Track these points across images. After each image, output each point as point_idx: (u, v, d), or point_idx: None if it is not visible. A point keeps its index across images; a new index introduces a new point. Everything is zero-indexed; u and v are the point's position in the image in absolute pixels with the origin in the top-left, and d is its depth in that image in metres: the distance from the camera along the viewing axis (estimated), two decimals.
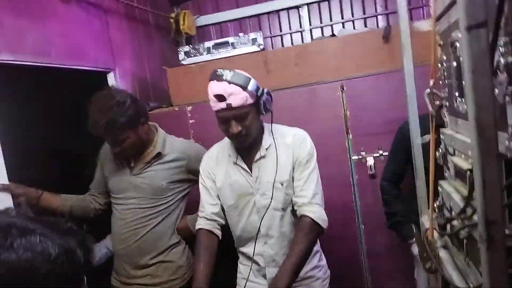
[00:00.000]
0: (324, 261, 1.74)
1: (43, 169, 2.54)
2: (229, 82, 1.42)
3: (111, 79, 2.47)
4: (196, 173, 1.73)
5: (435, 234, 1.03)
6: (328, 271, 1.75)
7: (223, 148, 1.67)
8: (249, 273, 1.64)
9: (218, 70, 1.44)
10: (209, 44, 2.58)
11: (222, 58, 2.53)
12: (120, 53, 2.55)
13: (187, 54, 2.60)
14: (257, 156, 1.59)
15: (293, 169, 1.59)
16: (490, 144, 0.58)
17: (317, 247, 1.71)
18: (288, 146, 1.60)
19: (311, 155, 1.61)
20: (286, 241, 1.61)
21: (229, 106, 1.44)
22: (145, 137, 1.79)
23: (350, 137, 2.28)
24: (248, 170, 1.60)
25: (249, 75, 1.48)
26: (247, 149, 1.60)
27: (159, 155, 1.81)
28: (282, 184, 1.57)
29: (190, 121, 2.42)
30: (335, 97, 2.27)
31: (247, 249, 1.64)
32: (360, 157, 2.28)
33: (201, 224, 1.63)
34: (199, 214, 1.66)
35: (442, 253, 0.99)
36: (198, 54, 2.57)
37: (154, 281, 1.81)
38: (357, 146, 2.29)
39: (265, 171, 1.58)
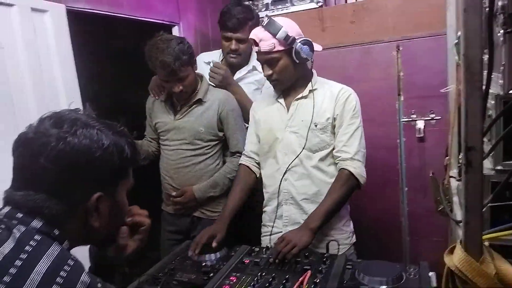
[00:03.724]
0: (349, 228, 1.75)
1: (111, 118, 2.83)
2: (264, 28, 1.55)
3: (176, 32, 2.66)
4: (224, 124, 1.96)
5: (452, 181, 1.08)
6: (353, 238, 1.75)
7: (271, 89, 1.78)
8: (269, 217, 1.75)
9: (266, 16, 1.57)
10: (268, 0, 2.65)
11: (279, 14, 2.59)
12: (185, 8, 2.71)
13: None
14: (299, 96, 1.68)
15: (334, 120, 1.64)
16: (475, 77, 0.63)
17: (345, 212, 1.74)
18: (332, 96, 1.65)
19: (356, 112, 1.65)
20: (309, 181, 1.67)
21: (260, 51, 1.58)
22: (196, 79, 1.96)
23: (402, 98, 2.26)
24: (285, 107, 1.71)
25: (285, 23, 1.56)
26: (290, 91, 1.70)
27: (199, 101, 1.96)
28: (316, 125, 1.63)
29: None
30: (389, 57, 2.24)
31: (271, 188, 1.74)
32: (410, 119, 2.26)
33: (241, 160, 1.83)
34: (244, 151, 1.86)
35: (455, 198, 1.04)
36: (257, 10, 2.65)
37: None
38: (408, 108, 2.26)
39: (302, 111, 1.67)
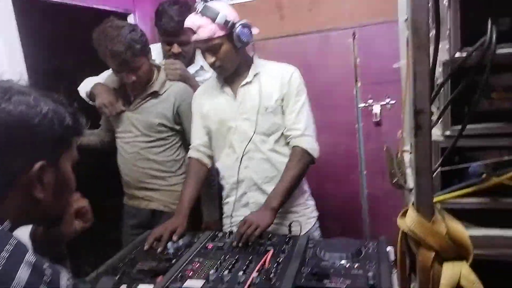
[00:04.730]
0: (312, 202, 1.80)
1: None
2: (201, 14, 1.50)
3: (131, 21, 2.57)
4: (183, 119, 1.89)
5: (406, 154, 1.11)
6: (315, 212, 1.80)
7: (214, 79, 1.75)
8: (233, 207, 1.74)
9: (201, 1, 1.51)
10: None
11: (235, 3, 2.57)
12: None
13: None
14: (243, 82, 1.66)
15: (282, 100, 1.64)
16: (422, 41, 0.64)
17: (306, 187, 1.78)
18: (276, 76, 1.65)
19: (301, 88, 1.66)
20: (268, 165, 1.67)
21: (199, 39, 1.53)
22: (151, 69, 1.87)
23: (359, 85, 2.32)
24: (233, 94, 1.68)
25: (222, 7, 1.52)
26: (234, 77, 1.67)
27: (155, 94, 1.88)
28: (266, 109, 1.62)
29: None
30: (346, 45, 2.30)
31: (231, 179, 1.72)
32: (367, 104, 2.32)
33: (191, 154, 1.78)
34: (190, 146, 1.81)
35: (409, 170, 1.07)
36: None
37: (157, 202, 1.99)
38: (365, 94, 2.33)
39: (249, 96, 1.65)
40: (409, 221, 0.69)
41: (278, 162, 1.67)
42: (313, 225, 1.76)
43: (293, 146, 1.63)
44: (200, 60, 2.14)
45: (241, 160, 1.67)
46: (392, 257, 1.29)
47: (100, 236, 2.02)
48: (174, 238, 1.53)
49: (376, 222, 2.42)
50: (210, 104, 1.73)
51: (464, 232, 0.65)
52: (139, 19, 2.60)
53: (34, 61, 1.89)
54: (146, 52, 1.80)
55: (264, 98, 1.63)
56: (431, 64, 0.75)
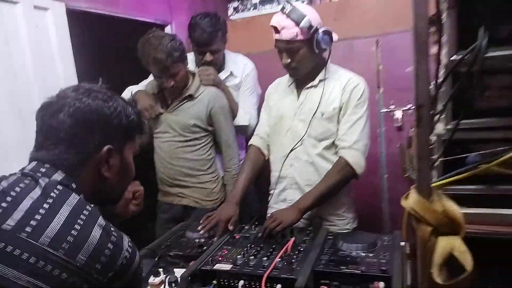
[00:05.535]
0: (350, 215, 1.80)
1: None
2: (287, 16, 1.55)
3: (168, 32, 2.77)
4: (214, 121, 2.05)
5: None
6: (352, 224, 1.80)
7: (287, 76, 1.82)
8: (270, 198, 1.85)
9: (287, 2, 1.57)
10: (256, 0, 2.79)
11: (267, 14, 2.72)
12: (177, 8, 2.83)
13: (236, 9, 2.83)
14: (309, 85, 1.71)
15: (340, 109, 1.65)
16: (423, 47, 0.75)
17: (345, 200, 1.78)
18: (341, 84, 1.67)
19: (362, 101, 1.67)
20: (312, 169, 1.71)
21: (281, 39, 1.59)
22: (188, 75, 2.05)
23: (381, 90, 2.41)
24: (297, 94, 1.75)
25: (308, 11, 1.57)
26: (303, 78, 1.72)
27: (190, 97, 2.05)
28: (322, 115, 1.66)
29: None
30: (369, 52, 2.40)
31: (276, 173, 1.82)
32: (389, 110, 2.41)
33: (253, 141, 1.89)
34: (254, 132, 1.92)
35: None
36: (245, 10, 2.79)
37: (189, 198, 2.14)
38: (388, 99, 2.41)
39: (310, 99, 1.70)
40: (411, 201, 0.79)
41: (322, 168, 1.69)
42: None
43: (339, 157, 1.66)
44: (230, 66, 2.30)
45: (287, 157, 1.75)
46: (407, 250, 1.38)
47: (137, 228, 2.18)
48: (230, 227, 1.63)
49: (396, 225, 2.46)
50: (276, 99, 1.83)
51: (457, 210, 0.75)
52: (176, 29, 2.79)
53: (84, 70, 2.10)
54: (183, 59, 1.97)
55: (323, 103, 1.66)
56: (436, 66, 0.86)
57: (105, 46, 2.93)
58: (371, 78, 2.40)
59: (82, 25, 2.22)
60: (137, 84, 2.28)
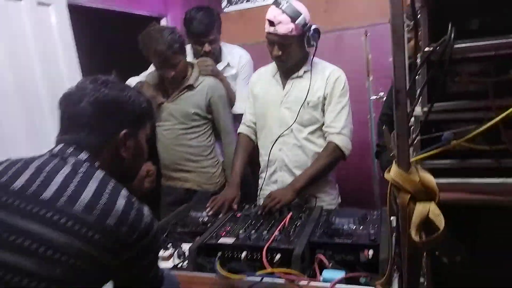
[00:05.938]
0: (335, 191, 1.99)
1: None
2: (282, 11, 1.65)
3: (164, 24, 2.86)
4: (213, 109, 2.17)
5: None
6: (337, 199, 1.99)
7: (271, 66, 1.96)
8: (263, 182, 1.98)
9: None
10: None
11: (258, 7, 2.82)
12: (172, 1, 2.92)
13: (229, 2, 2.92)
14: (294, 75, 1.85)
15: (325, 99, 1.82)
16: (400, 40, 0.88)
17: (331, 177, 1.96)
18: (324, 76, 1.83)
19: (344, 91, 1.83)
20: (301, 151, 1.87)
21: (275, 32, 1.69)
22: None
23: (371, 79, 2.54)
24: (282, 84, 1.89)
25: (302, 9, 1.69)
26: (288, 69, 1.86)
27: (190, 87, 2.17)
28: (308, 103, 1.81)
29: None
30: (359, 42, 2.51)
31: (265, 157, 1.97)
32: (378, 96, 2.53)
33: (241, 129, 2.04)
34: (241, 121, 2.06)
35: None
36: (238, 2, 2.88)
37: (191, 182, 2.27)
38: (377, 87, 2.54)
39: (297, 89, 1.84)
40: (392, 173, 0.92)
41: (309, 150, 1.87)
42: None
43: (329, 141, 1.82)
44: (227, 57, 2.41)
45: (275, 142, 1.89)
46: (393, 224, 1.52)
47: None
48: (234, 207, 1.78)
49: (385, 202, 2.62)
50: (261, 87, 1.96)
51: (432, 179, 0.88)
52: (171, 22, 2.89)
53: (86, 64, 2.20)
54: (183, 50, 2.09)
55: (309, 93, 1.80)
56: (412, 57, 0.99)
57: (103, 39, 3.01)
58: (361, 67, 2.53)
59: (80, 19, 2.31)
60: (138, 75, 2.38)
